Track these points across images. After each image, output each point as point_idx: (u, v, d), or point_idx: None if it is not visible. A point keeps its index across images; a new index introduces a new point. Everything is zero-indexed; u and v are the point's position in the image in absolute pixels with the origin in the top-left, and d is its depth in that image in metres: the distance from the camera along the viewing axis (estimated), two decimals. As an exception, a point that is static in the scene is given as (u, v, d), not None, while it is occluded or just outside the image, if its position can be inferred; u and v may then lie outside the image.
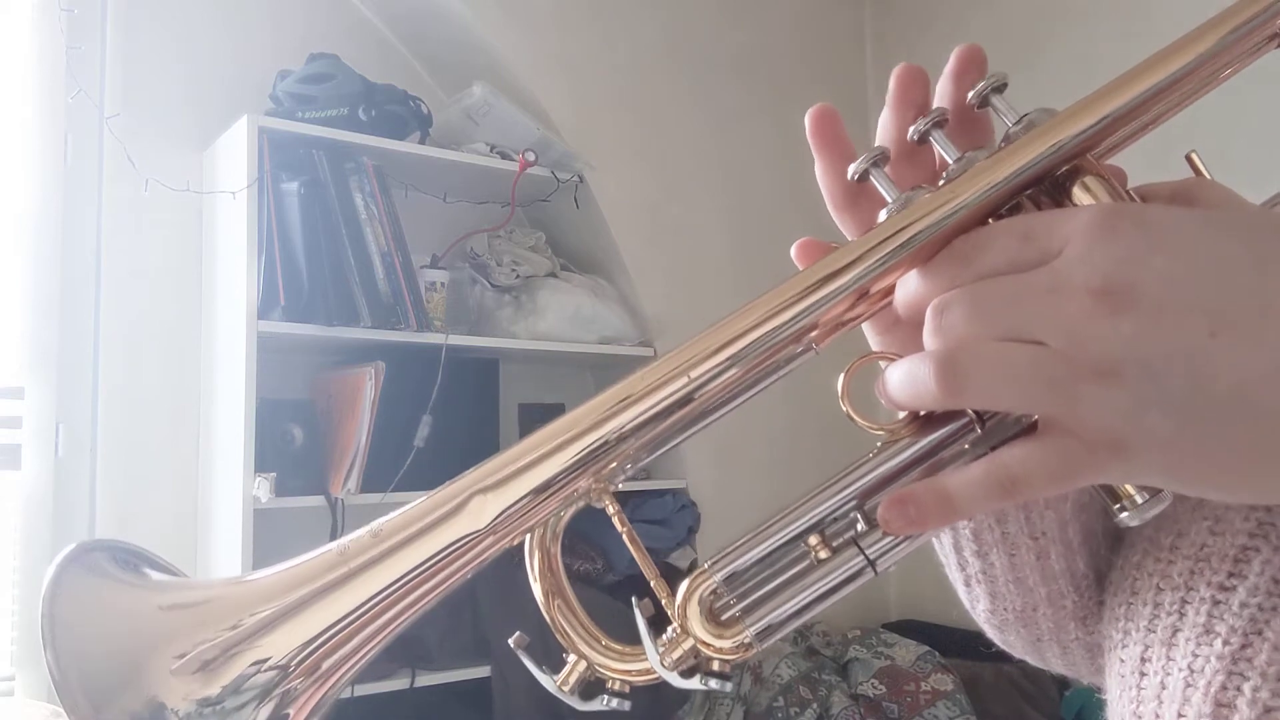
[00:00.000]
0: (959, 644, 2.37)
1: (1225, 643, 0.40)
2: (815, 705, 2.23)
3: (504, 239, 2.38)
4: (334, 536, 0.37)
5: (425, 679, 2.01)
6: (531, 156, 2.26)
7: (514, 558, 0.40)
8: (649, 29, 2.67)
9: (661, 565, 2.33)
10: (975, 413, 0.37)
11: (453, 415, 2.12)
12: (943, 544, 0.53)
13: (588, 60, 2.55)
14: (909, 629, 2.59)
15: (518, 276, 2.32)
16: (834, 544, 0.37)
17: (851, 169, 0.40)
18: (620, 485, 0.38)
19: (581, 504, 0.38)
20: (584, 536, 2.28)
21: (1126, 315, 0.31)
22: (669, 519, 2.35)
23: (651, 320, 2.47)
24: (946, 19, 2.89)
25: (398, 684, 1.97)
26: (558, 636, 0.38)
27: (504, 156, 2.28)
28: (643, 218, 2.56)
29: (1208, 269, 0.32)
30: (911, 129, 0.41)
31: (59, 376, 2.04)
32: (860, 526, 0.37)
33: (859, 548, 0.37)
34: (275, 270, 1.94)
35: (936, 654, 2.36)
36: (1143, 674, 0.44)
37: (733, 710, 2.28)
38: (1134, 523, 0.35)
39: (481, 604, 2.10)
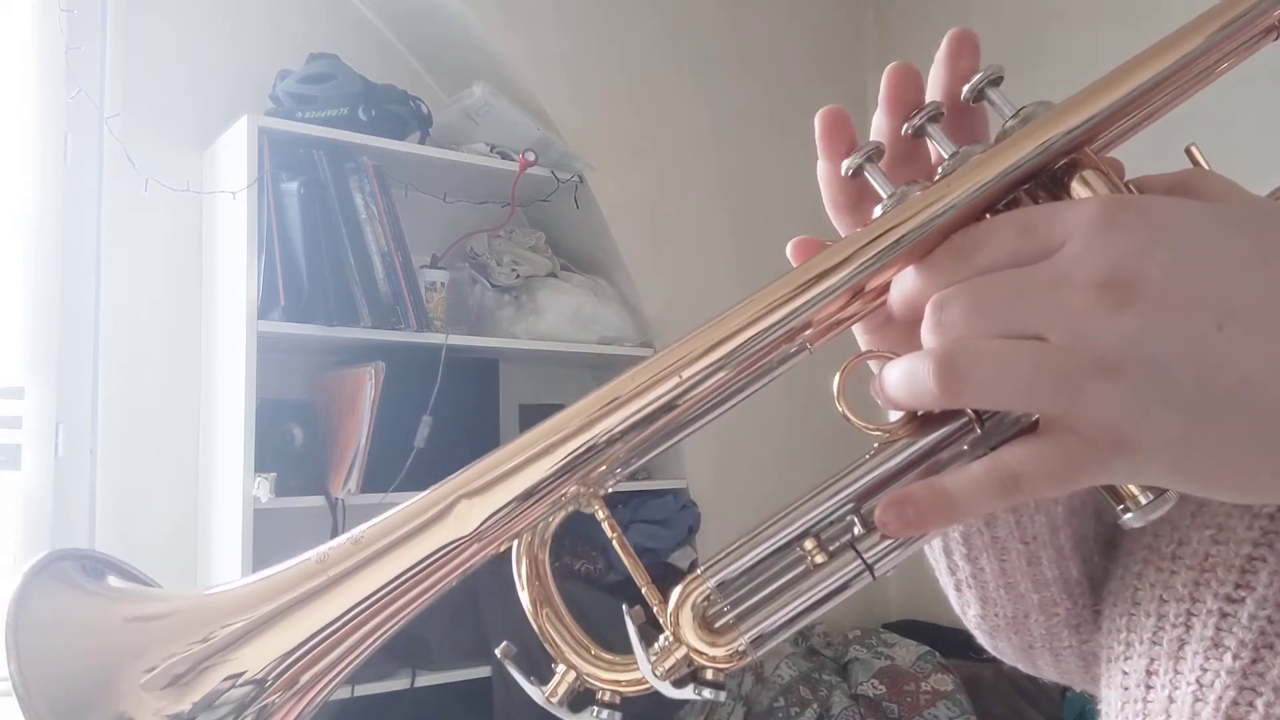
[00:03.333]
0: (959, 644, 2.36)
1: (1235, 657, 0.39)
2: (815, 705, 2.23)
3: (504, 239, 2.37)
4: (334, 536, 0.36)
5: (425, 679, 2.00)
6: (531, 156, 2.25)
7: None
8: (649, 29, 2.66)
9: (662, 566, 2.32)
10: (975, 412, 0.36)
11: (453, 416, 2.11)
12: (932, 548, 0.52)
13: (588, 60, 2.54)
14: (909, 629, 2.58)
15: (518, 276, 2.31)
16: (830, 548, 0.36)
17: (845, 164, 0.39)
18: (610, 489, 0.37)
19: (571, 509, 0.37)
20: (585, 537, 2.27)
21: (1131, 310, 0.30)
22: (669, 519, 2.34)
23: (652, 320, 2.46)
24: (947, 18, 2.88)
25: (398, 684, 1.97)
26: (546, 646, 0.37)
27: (504, 156, 2.27)
28: (643, 218, 2.55)
29: (1213, 262, 0.31)
30: (906, 124, 0.39)
31: (59, 376, 2.04)
32: (857, 530, 0.36)
33: (856, 551, 0.35)
34: (275, 270, 1.94)
35: (937, 654, 2.36)
36: (1149, 687, 0.43)
37: (734, 710, 2.27)
38: (1138, 524, 0.34)
39: (482, 604, 2.09)
